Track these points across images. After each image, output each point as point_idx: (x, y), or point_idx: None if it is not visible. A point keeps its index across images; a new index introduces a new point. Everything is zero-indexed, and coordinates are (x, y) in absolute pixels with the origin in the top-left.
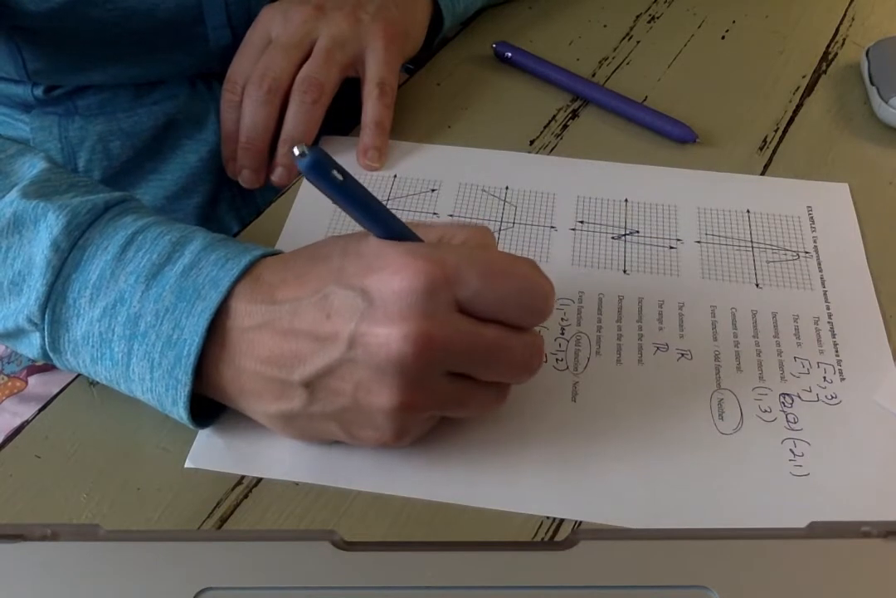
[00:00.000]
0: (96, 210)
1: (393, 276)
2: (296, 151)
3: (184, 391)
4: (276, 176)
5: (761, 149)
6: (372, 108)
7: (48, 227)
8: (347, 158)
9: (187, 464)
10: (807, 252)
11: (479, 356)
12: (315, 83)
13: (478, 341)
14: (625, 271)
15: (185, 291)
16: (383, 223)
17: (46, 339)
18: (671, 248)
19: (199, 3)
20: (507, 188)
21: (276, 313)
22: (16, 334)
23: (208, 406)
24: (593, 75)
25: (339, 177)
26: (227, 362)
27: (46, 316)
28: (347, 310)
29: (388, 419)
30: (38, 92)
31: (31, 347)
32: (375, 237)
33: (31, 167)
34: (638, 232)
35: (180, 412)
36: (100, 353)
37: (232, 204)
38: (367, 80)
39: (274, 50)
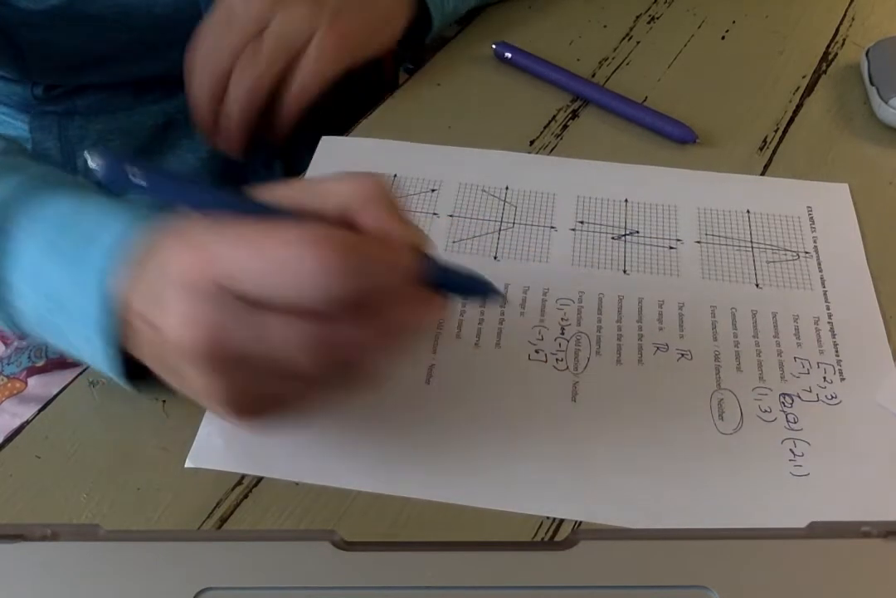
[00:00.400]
0: (23, 190)
1: (170, 266)
2: (88, 160)
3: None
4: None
5: (761, 149)
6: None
7: None
8: (347, 158)
9: (187, 464)
10: (807, 252)
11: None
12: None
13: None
14: (625, 271)
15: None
16: (225, 210)
17: (7, 319)
18: (671, 248)
19: (197, 0)
20: (507, 188)
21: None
22: None
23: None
24: (593, 75)
25: (140, 180)
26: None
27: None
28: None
29: (213, 404)
30: (38, 91)
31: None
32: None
33: None
34: (638, 232)
35: (121, 380)
36: (47, 328)
37: None
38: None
39: (228, 32)
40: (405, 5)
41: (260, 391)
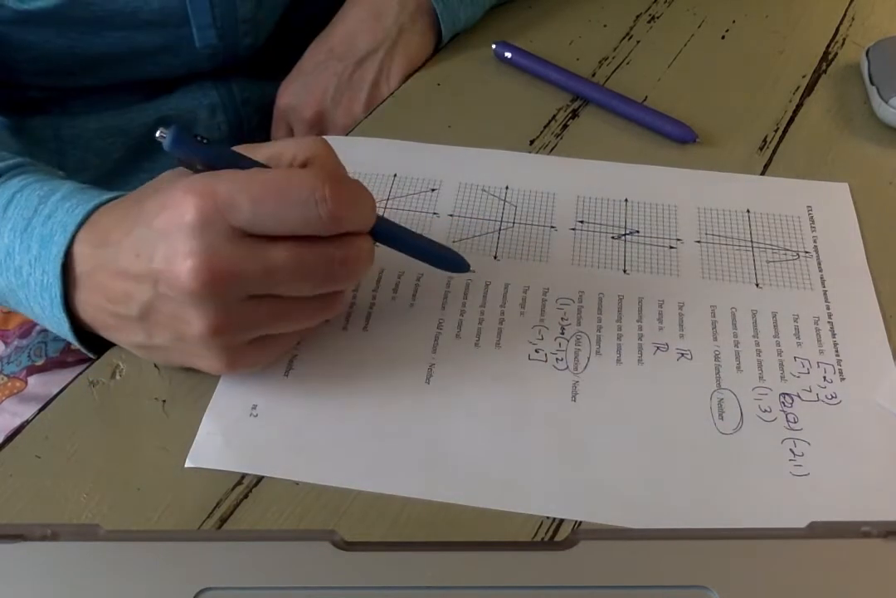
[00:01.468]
0: None
1: (171, 212)
2: (158, 133)
3: (65, 327)
4: None
5: (761, 149)
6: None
7: None
8: (347, 157)
9: (187, 464)
10: (807, 252)
11: (274, 277)
12: None
13: (266, 264)
14: (625, 271)
15: (44, 239)
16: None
17: None
18: (671, 248)
19: (184, 5)
20: (507, 188)
21: (105, 256)
22: None
23: None
24: (593, 75)
25: (203, 141)
26: (84, 302)
27: None
28: (147, 249)
29: (207, 347)
30: (34, 94)
31: None
32: (184, 173)
33: None
34: (638, 232)
35: (77, 344)
36: (15, 300)
37: None
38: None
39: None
40: (433, 41)
41: (253, 327)
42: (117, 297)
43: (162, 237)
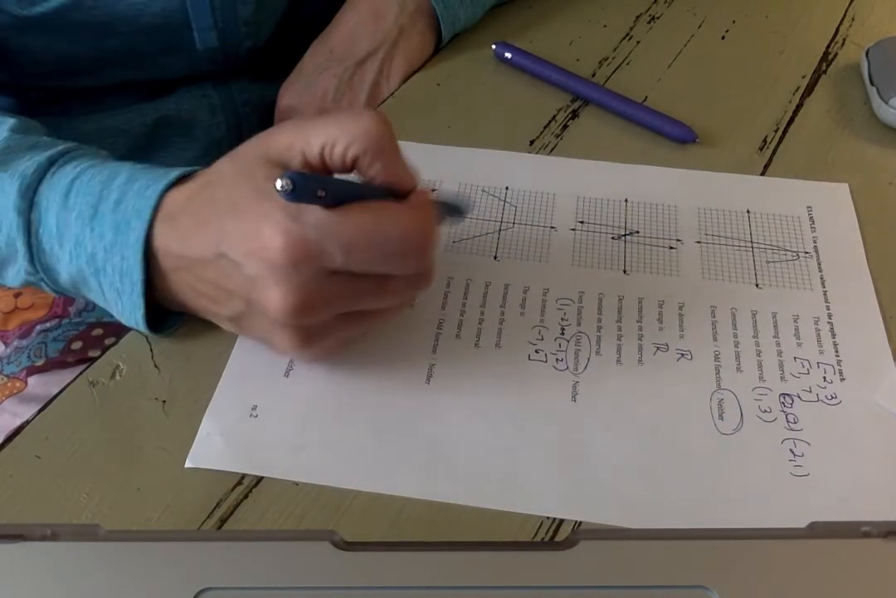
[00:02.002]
0: (41, 168)
1: (263, 251)
2: (278, 185)
3: (139, 313)
4: None
5: (761, 149)
6: None
7: (8, 194)
8: None
9: (187, 464)
10: (807, 252)
11: (360, 300)
12: None
13: (355, 293)
14: (625, 271)
15: (118, 225)
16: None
17: (49, 284)
18: (671, 248)
19: (185, 8)
20: (507, 188)
21: (188, 261)
22: (32, 283)
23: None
24: (593, 75)
25: (322, 193)
26: (173, 290)
27: (38, 267)
28: (237, 275)
29: (297, 355)
30: (34, 95)
31: (48, 291)
32: (257, 180)
33: None
34: (638, 232)
35: (143, 329)
36: (86, 287)
37: None
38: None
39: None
40: (433, 41)
41: (335, 334)
42: (207, 296)
43: (251, 268)
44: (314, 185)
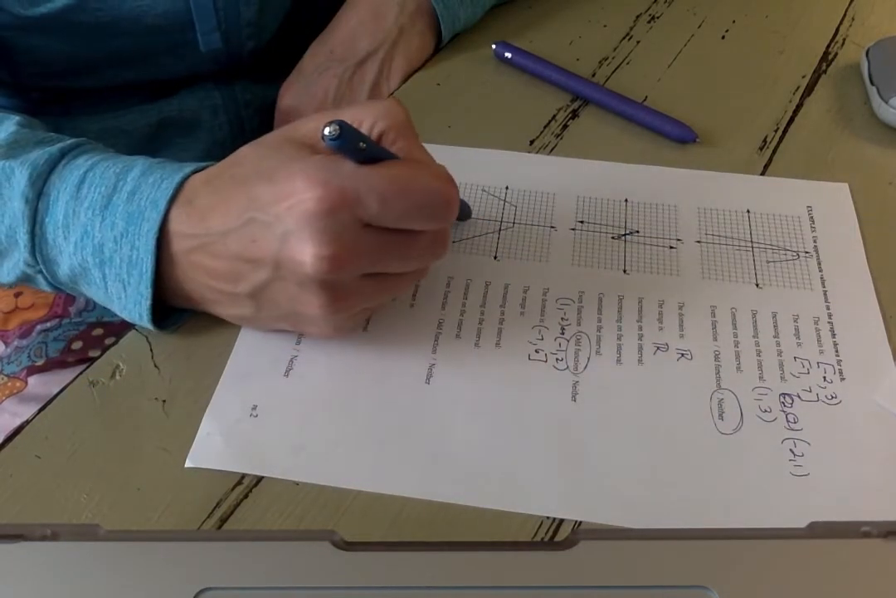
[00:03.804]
0: (52, 159)
1: (299, 204)
2: (327, 131)
3: (146, 304)
4: None
5: (761, 149)
6: None
7: (17, 182)
8: None
9: (187, 464)
10: (807, 252)
11: (387, 259)
12: None
13: (384, 249)
14: (625, 271)
15: (132, 215)
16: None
17: (48, 277)
18: (671, 248)
19: (189, 9)
20: (507, 188)
21: (210, 238)
22: (27, 278)
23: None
24: (593, 75)
25: (363, 146)
26: (181, 278)
27: (38, 259)
28: (268, 236)
29: (323, 322)
30: (34, 94)
31: (43, 286)
32: (284, 152)
33: (2, 132)
34: (638, 232)
35: (145, 323)
36: (86, 280)
37: None
38: None
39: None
40: (433, 41)
41: (365, 301)
42: (224, 275)
43: (286, 226)
44: (358, 136)
